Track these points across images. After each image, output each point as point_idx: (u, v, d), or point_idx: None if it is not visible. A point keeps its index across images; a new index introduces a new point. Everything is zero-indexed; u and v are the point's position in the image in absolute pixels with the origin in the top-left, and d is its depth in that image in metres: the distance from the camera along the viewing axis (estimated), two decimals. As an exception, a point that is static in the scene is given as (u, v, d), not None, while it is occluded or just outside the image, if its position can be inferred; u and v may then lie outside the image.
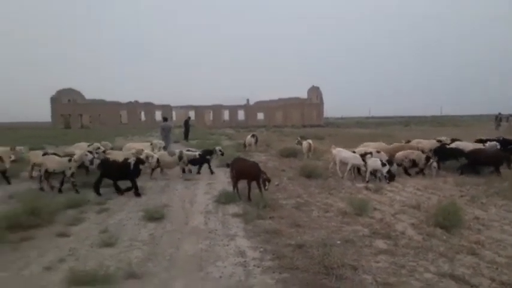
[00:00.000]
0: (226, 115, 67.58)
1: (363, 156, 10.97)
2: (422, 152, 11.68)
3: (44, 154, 10.66)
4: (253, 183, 8.24)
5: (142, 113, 63.87)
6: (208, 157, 12.34)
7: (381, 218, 6.91)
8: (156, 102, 64.64)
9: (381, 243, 5.61)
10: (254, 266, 4.80)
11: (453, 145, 12.99)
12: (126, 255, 5.15)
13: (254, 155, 16.69)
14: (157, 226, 6.53)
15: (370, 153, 11.22)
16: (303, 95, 71.09)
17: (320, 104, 67.91)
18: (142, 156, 9.86)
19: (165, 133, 18.04)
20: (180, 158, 11.50)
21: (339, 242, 5.61)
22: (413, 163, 11.34)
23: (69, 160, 9.41)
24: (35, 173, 11.64)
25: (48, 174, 9.50)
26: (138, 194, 8.93)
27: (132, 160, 9.14)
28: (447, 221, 6.15)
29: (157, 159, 10.79)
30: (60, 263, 4.89)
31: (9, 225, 6.09)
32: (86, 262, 4.84)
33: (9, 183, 10.61)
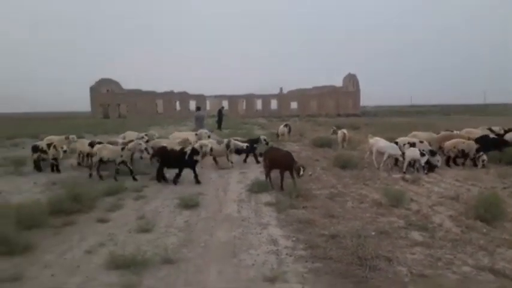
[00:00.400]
0: (259, 104, 67.62)
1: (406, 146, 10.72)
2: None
3: (91, 144, 11.08)
4: (286, 173, 8.22)
5: (178, 103, 65.05)
6: (255, 145, 12.44)
7: (418, 210, 6.72)
8: (191, 92, 65.55)
9: (416, 235, 5.47)
10: (286, 254, 4.81)
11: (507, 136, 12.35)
12: (163, 241, 5.30)
13: (287, 144, 16.61)
14: (192, 213, 6.67)
15: (414, 143, 10.91)
16: (339, 83, 69.80)
17: (356, 92, 66.49)
18: (196, 146, 9.92)
19: (199, 122, 18.74)
20: (228, 146, 11.48)
21: (373, 233, 5.51)
22: (463, 153, 10.91)
23: (122, 149, 9.77)
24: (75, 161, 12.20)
25: (100, 163, 9.80)
26: (198, 182, 9.19)
27: (188, 149, 9.37)
28: (488, 213, 5.89)
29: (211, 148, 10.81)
30: (100, 247, 5.10)
31: (53, 210, 6.42)
32: (125, 247, 5.02)
33: (58, 171, 10.96)
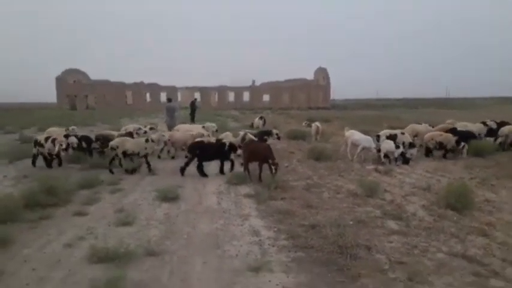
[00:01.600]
0: (231, 96, 67.41)
1: (389, 138, 11.04)
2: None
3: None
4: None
5: (148, 94, 63.83)
6: (265, 138, 12.42)
7: (392, 200, 6.98)
8: (162, 83, 64.47)
9: (392, 224, 5.70)
10: (269, 245, 4.91)
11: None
12: (144, 233, 5.28)
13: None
14: (171, 206, 6.65)
15: (395, 135, 11.27)
16: (310, 76, 70.51)
17: (327, 86, 67.44)
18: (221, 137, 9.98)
19: (170, 114, 18.17)
20: (244, 139, 11.29)
21: (351, 222, 5.70)
22: (441, 145, 11.37)
23: (146, 141, 9.60)
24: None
25: (123, 156, 9.54)
26: (222, 172, 9.38)
27: (227, 142, 9.51)
28: (458, 202, 6.20)
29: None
30: (80, 241, 5.02)
31: (27, 204, 6.24)
32: (106, 240, 4.96)
33: (50, 166, 10.37)
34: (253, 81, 68.98)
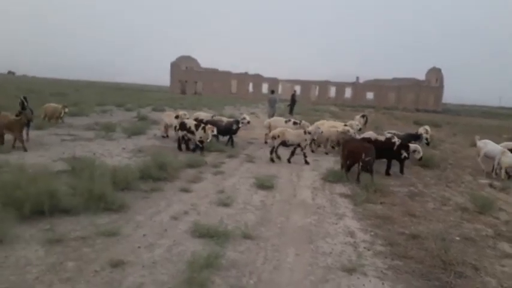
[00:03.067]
0: (332, 92, 66.24)
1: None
2: None
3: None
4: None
5: (251, 85, 65.95)
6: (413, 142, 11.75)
7: (508, 220, 6.23)
8: (265, 74, 66.02)
9: (506, 247, 5.10)
10: (364, 248, 4.75)
11: None
12: (241, 216, 5.51)
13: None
14: (267, 194, 6.82)
15: None
16: (421, 76, 65.83)
17: (439, 88, 62.35)
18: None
19: (272, 104, 19.83)
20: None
21: (458, 238, 5.23)
22: None
23: (305, 132, 9.88)
24: (161, 132, 12.96)
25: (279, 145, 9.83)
26: (387, 173, 9.10)
27: (397, 141, 9.15)
28: None
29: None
30: (185, 215, 5.43)
31: (142, 176, 6.94)
32: (206, 217, 5.31)
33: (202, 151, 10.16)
34: (357, 78, 66.81)
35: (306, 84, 65.58)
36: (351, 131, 11.63)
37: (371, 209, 6.31)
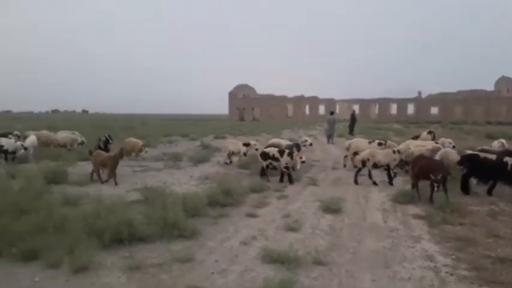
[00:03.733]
0: (393, 109, 64.05)
1: None
2: None
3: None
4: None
5: (307, 107, 65.89)
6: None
7: None
8: (321, 96, 65.74)
9: None
10: (447, 273, 4.41)
11: None
12: (311, 241, 5.41)
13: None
14: (335, 218, 6.65)
15: None
16: (489, 87, 61.65)
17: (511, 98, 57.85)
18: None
19: (331, 125, 20.31)
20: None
21: (554, 261, 4.68)
22: None
23: (394, 152, 9.67)
24: (223, 159, 13.25)
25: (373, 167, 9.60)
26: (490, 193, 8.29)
27: (509, 160, 8.06)
28: None
29: None
30: (253, 240, 5.45)
31: (210, 202, 7.11)
32: (276, 243, 5.28)
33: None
34: (419, 93, 64.14)
35: (364, 103, 64.15)
36: (444, 148, 10.66)
37: (449, 231, 5.89)
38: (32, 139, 13.67)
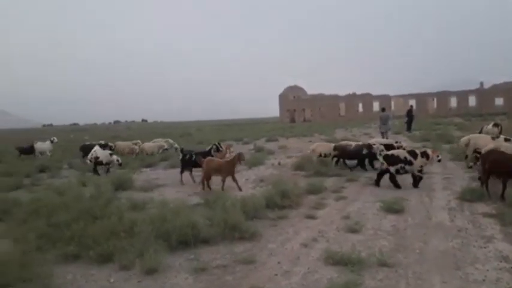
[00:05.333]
0: (453, 102, 60.54)
1: None
2: None
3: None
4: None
5: (360, 105, 64.18)
6: None
7: None
8: (374, 92, 63.78)
9: None
10: (526, 275, 4.12)
11: None
12: (374, 243, 5.28)
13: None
14: (398, 218, 6.43)
15: None
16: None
17: None
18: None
19: (384, 122, 19.75)
20: None
21: None
22: None
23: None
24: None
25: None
26: None
27: None
28: None
29: None
30: (314, 242, 5.43)
31: (267, 204, 7.18)
32: (337, 244, 5.22)
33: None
34: (481, 83, 60.13)
35: (421, 97, 61.19)
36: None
37: (526, 230, 5.48)
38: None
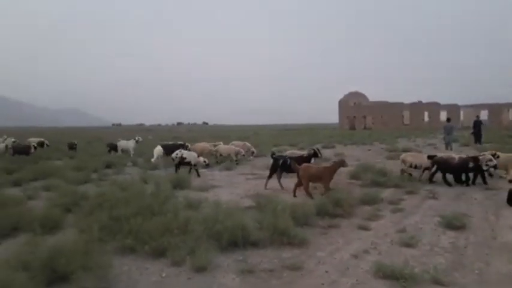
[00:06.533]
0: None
1: None
2: None
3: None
4: None
5: (426, 113, 61.11)
6: None
7: None
8: (442, 101, 60.42)
9: None
10: None
11: None
12: (429, 259, 5.02)
13: None
14: (458, 235, 6.05)
15: None
16: None
17: None
18: None
19: (447, 132, 19.57)
20: None
21: None
22: None
23: None
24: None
25: None
26: None
27: None
28: None
29: None
30: (365, 254, 5.28)
31: (318, 212, 7.10)
32: (389, 258, 5.04)
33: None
34: None
35: (494, 108, 56.87)
36: None
37: None
38: (158, 149, 15.45)
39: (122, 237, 5.55)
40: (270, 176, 10.44)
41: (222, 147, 17.06)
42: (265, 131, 59.59)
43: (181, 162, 12.87)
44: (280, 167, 10.18)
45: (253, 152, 16.73)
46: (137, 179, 11.06)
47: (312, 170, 8.89)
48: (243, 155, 16.64)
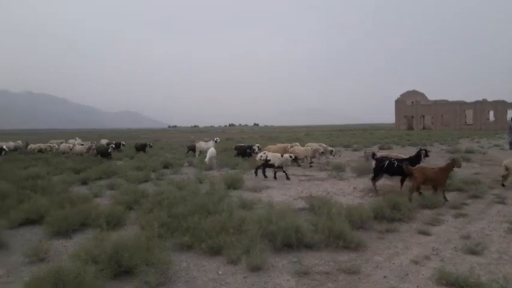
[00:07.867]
0: None
1: None
2: None
3: None
4: None
5: (491, 113, 57.10)
6: None
7: None
8: (510, 100, 56.12)
9: None
10: None
11: None
12: (497, 268, 4.70)
13: None
14: (531, 244, 5.59)
15: None
16: None
17: None
18: None
19: (510, 131, 19.34)
20: None
21: None
22: None
23: None
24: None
25: None
26: None
27: None
28: None
29: None
30: (426, 260, 5.04)
31: (375, 215, 6.88)
32: (452, 265, 4.77)
33: None
34: None
35: None
36: None
37: None
38: (212, 151, 15.84)
39: (180, 234, 5.75)
40: (375, 179, 9.88)
41: (298, 148, 16.60)
42: (316, 131, 58.86)
43: (266, 164, 12.50)
44: (385, 169, 9.64)
45: (331, 151, 16.40)
46: (193, 179, 11.41)
47: (428, 171, 8.43)
48: (322, 152, 16.22)
